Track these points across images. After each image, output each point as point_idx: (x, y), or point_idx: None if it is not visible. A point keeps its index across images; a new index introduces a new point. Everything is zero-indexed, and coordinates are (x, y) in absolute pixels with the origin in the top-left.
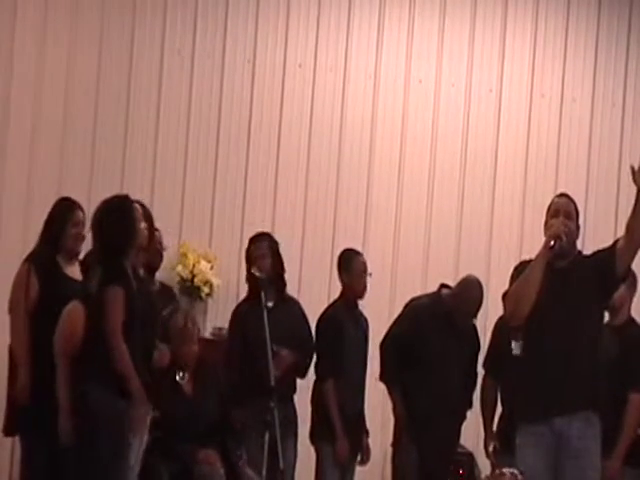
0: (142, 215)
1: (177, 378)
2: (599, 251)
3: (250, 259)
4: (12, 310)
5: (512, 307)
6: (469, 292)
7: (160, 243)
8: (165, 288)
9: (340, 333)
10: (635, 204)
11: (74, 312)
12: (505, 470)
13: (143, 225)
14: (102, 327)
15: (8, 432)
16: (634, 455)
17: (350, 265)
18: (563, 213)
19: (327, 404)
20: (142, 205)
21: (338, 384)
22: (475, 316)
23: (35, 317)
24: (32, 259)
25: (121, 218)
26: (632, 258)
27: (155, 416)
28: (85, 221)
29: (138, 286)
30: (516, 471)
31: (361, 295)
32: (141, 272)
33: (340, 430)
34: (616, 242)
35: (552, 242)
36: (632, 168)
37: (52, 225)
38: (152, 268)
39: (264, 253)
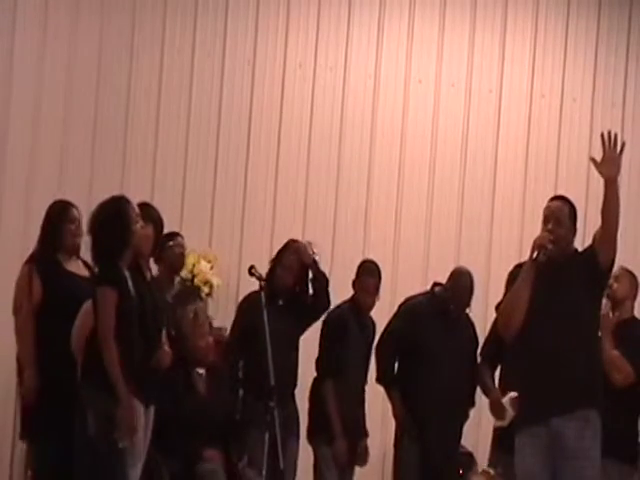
0: (145, 216)
1: (196, 374)
2: (585, 248)
3: (276, 262)
4: (16, 312)
5: (504, 322)
6: (460, 281)
7: (182, 246)
8: (187, 288)
9: (344, 334)
10: (605, 193)
11: (87, 312)
12: (480, 468)
13: (139, 226)
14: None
15: (25, 437)
16: (621, 450)
17: (363, 280)
18: (553, 220)
19: (326, 405)
20: (149, 206)
21: (338, 385)
22: (468, 304)
23: (40, 317)
24: (33, 260)
25: (114, 219)
26: (612, 246)
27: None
28: (80, 218)
29: (142, 287)
30: (490, 469)
31: (365, 312)
32: (148, 274)
33: (338, 431)
34: (596, 234)
35: (534, 255)
36: (593, 160)
37: (49, 226)
38: (172, 270)
39: (292, 267)
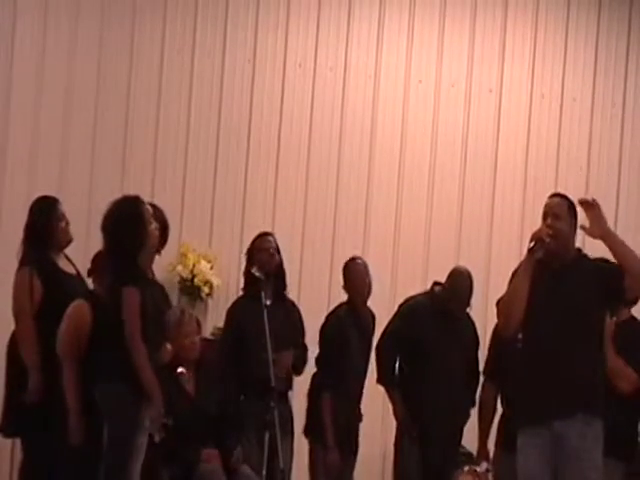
0: (154, 216)
1: (178, 370)
2: (609, 262)
3: (255, 253)
4: (18, 315)
5: (503, 319)
6: (458, 281)
7: None
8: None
9: (345, 345)
10: (609, 248)
11: (79, 311)
12: (466, 467)
13: (154, 226)
14: (117, 328)
15: (7, 433)
16: (620, 449)
17: (350, 272)
18: (551, 215)
19: (322, 417)
20: (155, 207)
21: (336, 396)
22: (468, 304)
23: (41, 319)
24: (29, 262)
25: (132, 219)
26: None
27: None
28: (65, 212)
29: (146, 287)
30: (478, 468)
31: (366, 298)
32: (149, 273)
33: (332, 444)
34: None
35: (532, 244)
36: (583, 227)
37: (38, 225)
38: None
39: (272, 248)
